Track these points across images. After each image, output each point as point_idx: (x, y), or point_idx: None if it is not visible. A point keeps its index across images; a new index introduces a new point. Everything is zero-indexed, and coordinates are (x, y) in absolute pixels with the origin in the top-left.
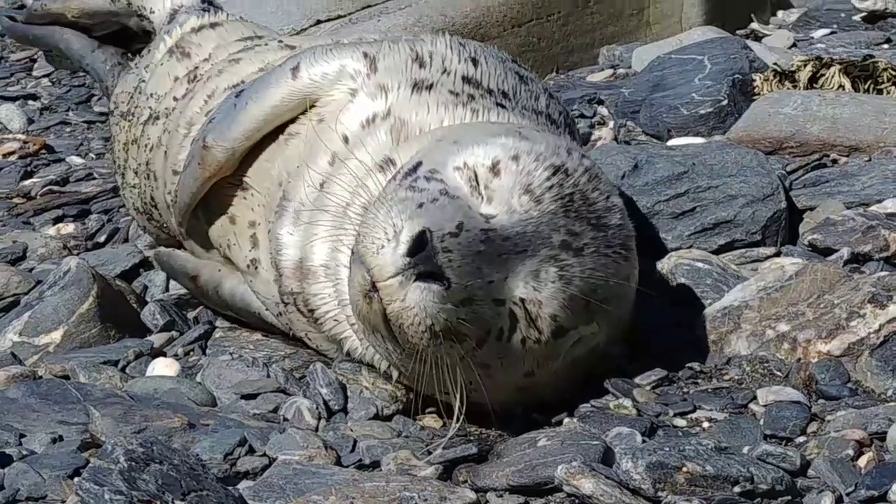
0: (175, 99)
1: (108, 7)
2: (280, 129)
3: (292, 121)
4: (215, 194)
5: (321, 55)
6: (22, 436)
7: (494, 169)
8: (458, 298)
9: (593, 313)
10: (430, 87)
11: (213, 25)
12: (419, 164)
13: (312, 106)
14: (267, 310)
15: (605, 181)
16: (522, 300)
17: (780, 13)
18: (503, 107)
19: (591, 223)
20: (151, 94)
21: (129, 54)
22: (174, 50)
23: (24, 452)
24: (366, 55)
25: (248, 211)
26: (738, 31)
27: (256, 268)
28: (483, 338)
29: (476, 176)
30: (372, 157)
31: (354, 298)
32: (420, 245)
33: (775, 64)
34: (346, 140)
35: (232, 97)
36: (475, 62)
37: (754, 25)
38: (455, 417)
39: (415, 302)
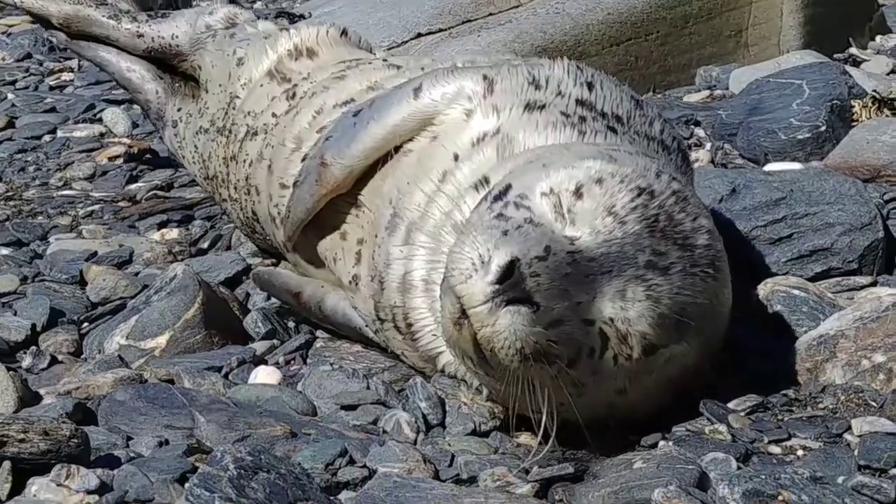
0: (275, 115)
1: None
2: (395, 149)
3: (407, 140)
4: (328, 211)
5: (443, 76)
6: (129, 438)
7: (578, 192)
8: (547, 320)
9: (683, 331)
10: (541, 108)
11: (309, 54)
12: (508, 187)
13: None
14: (367, 326)
15: (695, 203)
16: (612, 319)
17: (878, 38)
18: (614, 130)
19: (678, 243)
20: (249, 112)
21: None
22: (274, 74)
23: (132, 455)
24: (485, 77)
25: (358, 228)
26: (835, 55)
27: (357, 284)
28: (575, 358)
29: (560, 201)
30: (472, 175)
31: (445, 325)
32: (508, 272)
33: (874, 91)
34: (456, 158)
35: (349, 116)
36: (591, 86)
37: (852, 50)
38: (545, 436)
39: (504, 326)
